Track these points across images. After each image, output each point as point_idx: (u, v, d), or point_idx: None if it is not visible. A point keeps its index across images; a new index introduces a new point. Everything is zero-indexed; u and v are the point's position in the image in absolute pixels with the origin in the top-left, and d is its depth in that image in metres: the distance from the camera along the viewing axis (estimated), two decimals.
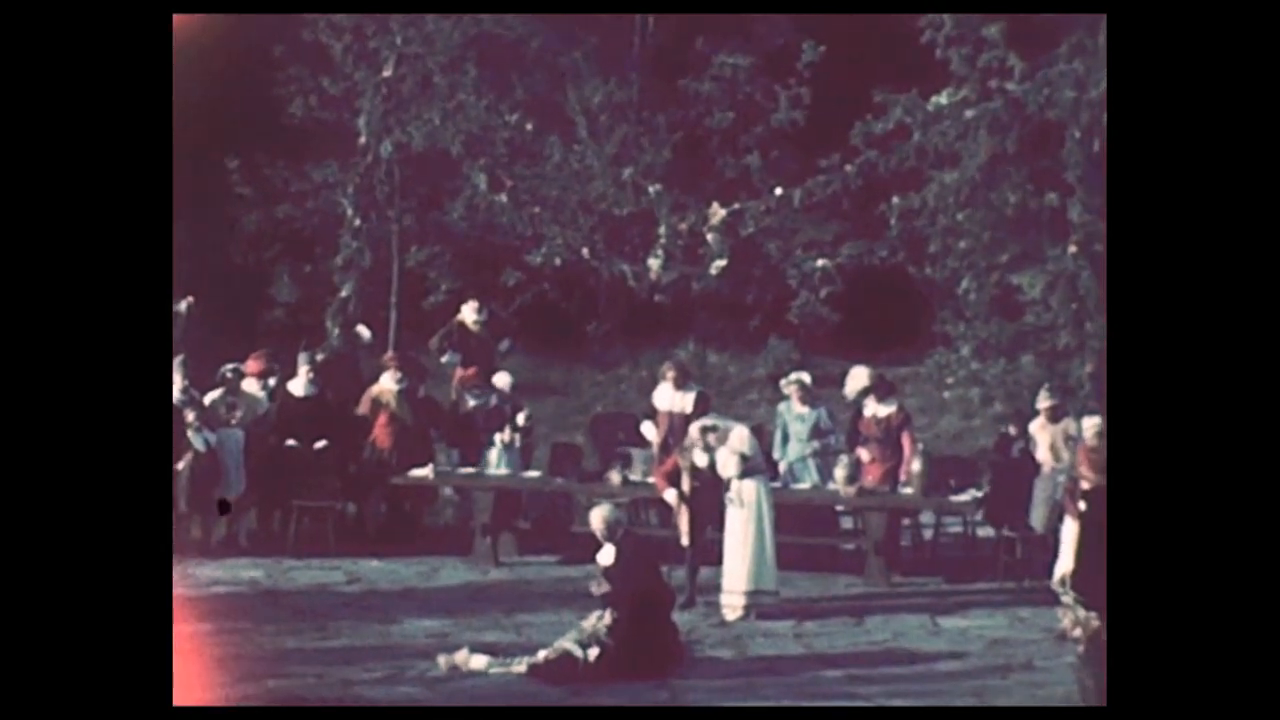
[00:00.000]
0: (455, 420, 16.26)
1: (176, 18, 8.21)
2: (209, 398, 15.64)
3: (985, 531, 15.32)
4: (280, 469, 15.64)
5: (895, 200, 18.24)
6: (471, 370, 16.50)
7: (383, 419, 15.85)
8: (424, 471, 15.67)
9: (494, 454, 15.77)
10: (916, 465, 14.74)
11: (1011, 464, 14.98)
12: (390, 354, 16.80)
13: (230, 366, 15.92)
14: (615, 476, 15.17)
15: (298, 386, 16.08)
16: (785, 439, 15.72)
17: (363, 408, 15.99)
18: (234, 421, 15.56)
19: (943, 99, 18.07)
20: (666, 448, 14.96)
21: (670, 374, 15.85)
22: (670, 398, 15.68)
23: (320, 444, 15.71)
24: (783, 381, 16.26)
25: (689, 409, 15.17)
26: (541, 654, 11.81)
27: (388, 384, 15.98)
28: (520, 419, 16.03)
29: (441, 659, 11.98)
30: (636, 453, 15.77)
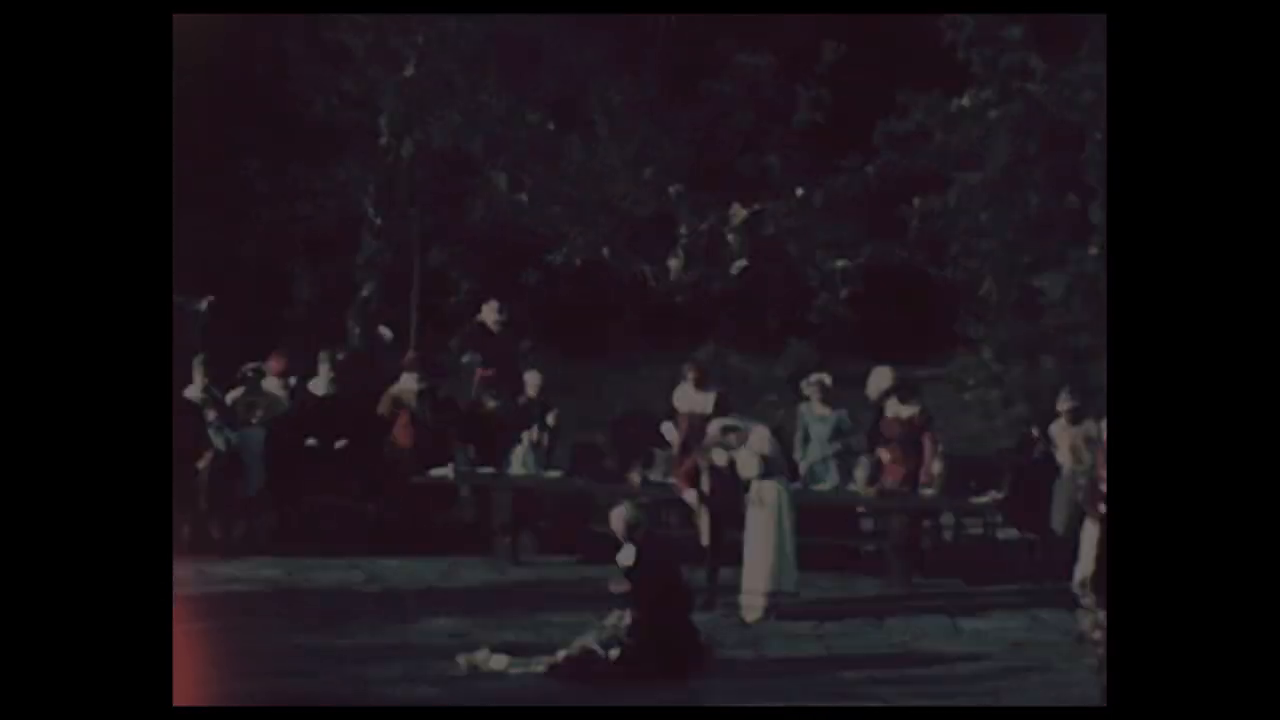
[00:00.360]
0: (473, 420, 16.25)
1: (196, 20, 8.21)
2: (230, 397, 15.67)
3: (1006, 533, 15.28)
4: (301, 468, 15.66)
5: (916, 202, 18.22)
6: (491, 371, 16.51)
7: (403, 419, 15.86)
8: (444, 471, 15.67)
9: (519, 452, 15.74)
10: (937, 467, 14.71)
11: (1032, 466, 14.94)
12: (411, 354, 16.79)
13: (251, 366, 15.94)
14: (635, 477, 15.17)
15: (319, 385, 16.09)
16: (806, 440, 15.70)
17: (382, 407, 15.99)
18: (255, 420, 15.58)
19: (965, 101, 18.05)
20: (686, 448, 14.95)
21: (691, 374, 15.83)
22: (691, 398, 15.66)
23: (340, 443, 15.72)
24: (803, 382, 16.22)
25: (709, 410, 15.15)
26: (561, 653, 11.80)
27: (408, 384, 15.99)
28: (550, 419, 16.03)
29: (461, 659, 11.97)
30: (657, 453, 15.76)
